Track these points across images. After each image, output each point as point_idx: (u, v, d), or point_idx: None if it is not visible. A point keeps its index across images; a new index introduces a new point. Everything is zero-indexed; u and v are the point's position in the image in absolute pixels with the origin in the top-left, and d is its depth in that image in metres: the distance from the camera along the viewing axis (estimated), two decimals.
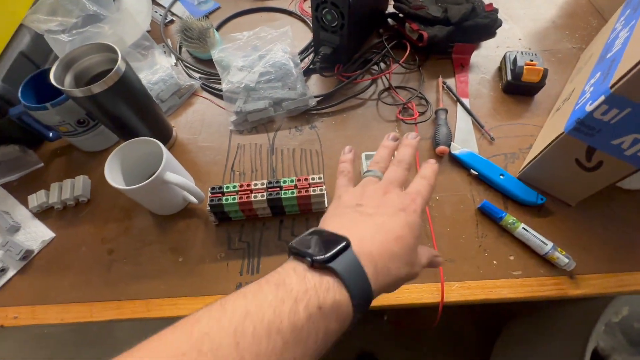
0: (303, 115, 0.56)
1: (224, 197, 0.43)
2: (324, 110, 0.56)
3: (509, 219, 0.43)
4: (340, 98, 0.57)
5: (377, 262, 0.24)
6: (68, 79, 0.42)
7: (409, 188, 0.30)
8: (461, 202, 0.47)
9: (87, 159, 0.54)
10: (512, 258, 0.43)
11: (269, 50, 0.57)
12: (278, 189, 0.43)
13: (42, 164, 0.52)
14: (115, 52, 0.42)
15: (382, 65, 0.60)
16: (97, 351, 1.18)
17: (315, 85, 0.60)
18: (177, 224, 0.47)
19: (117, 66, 0.40)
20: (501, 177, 0.47)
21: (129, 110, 0.45)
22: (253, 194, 0.43)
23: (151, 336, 0.20)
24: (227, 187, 0.44)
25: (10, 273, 0.45)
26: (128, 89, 0.43)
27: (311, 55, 0.62)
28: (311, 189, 0.43)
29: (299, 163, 0.52)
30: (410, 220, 0.27)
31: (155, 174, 0.40)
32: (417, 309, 0.42)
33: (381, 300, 0.41)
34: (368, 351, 1.06)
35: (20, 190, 0.51)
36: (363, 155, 0.46)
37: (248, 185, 0.44)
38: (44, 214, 0.49)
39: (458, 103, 0.55)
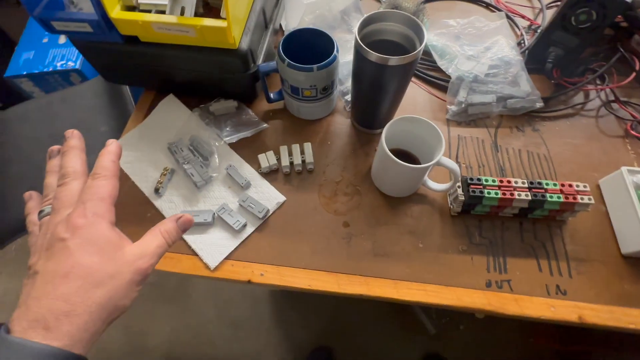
0: (522, 115, 0.54)
1: (486, 191, 0.41)
2: (546, 114, 0.54)
3: None
4: (559, 105, 0.54)
5: (48, 319, 0.21)
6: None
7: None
8: None
9: (300, 126, 0.53)
10: None
11: (495, 43, 0.55)
12: (542, 190, 0.42)
13: (267, 125, 0.52)
14: (417, 30, 0.40)
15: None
16: (173, 308, 1.21)
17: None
18: (409, 208, 0.46)
19: (420, 48, 0.38)
20: None
21: (393, 89, 0.43)
22: (517, 192, 0.41)
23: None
24: (487, 180, 0.42)
25: (249, 229, 0.45)
26: (409, 71, 0.41)
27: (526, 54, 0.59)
28: (579, 196, 0.41)
29: (528, 165, 0.50)
30: (75, 243, 0.23)
31: (438, 157, 0.39)
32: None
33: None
34: (435, 352, 1.05)
35: (241, 148, 0.51)
36: (624, 169, 0.44)
37: (509, 182, 0.42)
38: (269, 175, 0.49)
39: None
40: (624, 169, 0.44)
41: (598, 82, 0.56)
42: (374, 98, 0.45)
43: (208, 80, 0.50)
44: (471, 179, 0.42)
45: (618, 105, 0.54)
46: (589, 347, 0.93)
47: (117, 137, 0.73)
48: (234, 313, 1.19)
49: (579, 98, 0.56)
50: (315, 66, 0.43)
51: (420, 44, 0.39)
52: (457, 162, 0.50)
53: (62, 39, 1.07)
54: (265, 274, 0.42)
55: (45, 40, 1.06)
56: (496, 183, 0.42)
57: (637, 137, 0.51)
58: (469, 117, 0.53)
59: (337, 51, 0.45)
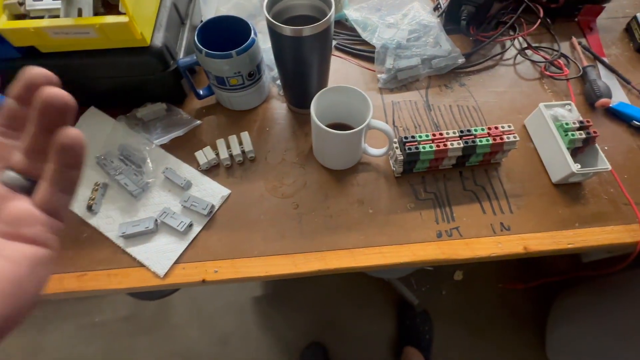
0: (449, 73, 0.56)
1: (421, 146, 0.43)
2: (470, 69, 0.57)
3: None
4: (480, 58, 0.57)
5: None
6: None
7: None
8: (629, 151, 0.48)
9: (234, 118, 0.52)
10: None
11: (411, 9, 0.57)
12: (472, 137, 0.44)
13: (200, 122, 0.50)
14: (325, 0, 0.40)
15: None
16: (154, 337, 1.14)
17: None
18: (354, 178, 0.47)
19: (330, 13, 0.38)
20: None
21: (316, 62, 0.43)
22: (450, 142, 0.43)
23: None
24: (420, 137, 0.44)
25: (196, 229, 0.43)
26: (326, 40, 0.41)
27: (443, 16, 0.61)
28: (505, 136, 0.43)
29: (460, 118, 0.52)
30: None
31: (367, 120, 0.40)
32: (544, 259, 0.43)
33: (578, 241, 0.42)
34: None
35: (175, 149, 0.49)
36: (541, 105, 0.47)
37: (441, 134, 0.44)
38: (210, 171, 0.47)
39: (597, 61, 0.57)
40: (541, 105, 0.47)
41: (510, 32, 0.60)
42: (300, 75, 0.45)
43: (128, 85, 0.48)
44: (406, 138, 0.44)
45: (531, 51, 0.58)
46: (549, 278, 1.00)
47: None
48: (219, 329, 1.14)
49: (497, 50, 0.59)
50: (233, 51, 0.42)
51: (329, 11, 0.39)
52: (394, 126, 0.51)
53: None
54: (220, 270, 0.41)
55: None
56: (429, 137, 0.44)
57: (551, 76, 0.55)
58: (399, 83, 0.55)
59: (255, 34, 0.44)
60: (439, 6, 0.63)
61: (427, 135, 0.44)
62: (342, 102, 0.44)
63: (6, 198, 0.19)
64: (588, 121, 0.44)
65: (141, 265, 0.41)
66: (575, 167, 0.42)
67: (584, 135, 0.43)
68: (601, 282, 0.92)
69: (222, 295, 1.19)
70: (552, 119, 0.46)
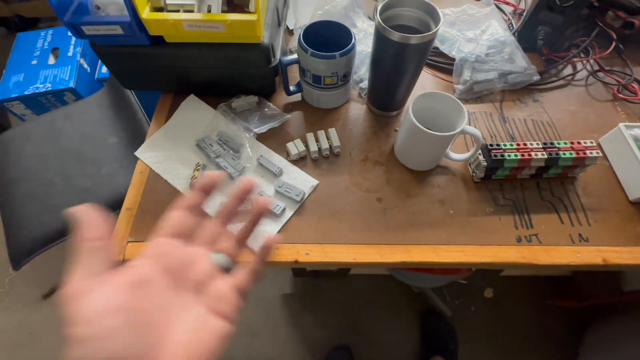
0: (522, 89, 0.59)
1: (506, 154, 0.45)
2: (543, 86, 0.59)
3: None
4: (550, 77, 0.60)
5: None
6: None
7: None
8: None
9: (320, 114, 0.55)
10: None
11: (489, 26, 0.60)
12: (556, 149, 0.46)
13: (290, 116, 0.54)
14: (432, 13, 0.43)
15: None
16: None
17: None
18: (434, 179, 0.49)
19: (437, 28, 0.41)
20: None
21: (412, 69, 0.46)
22: (534, 152, 0.45)
23: None
24: (505, 145, 0.46)
25: (289, 213, 0.46)
26: (426, 51, 0.44)
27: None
28: (588, 151, 0.45)
29: (535, 132, 0.54)
30: None
31: (462, 126, 0.42)
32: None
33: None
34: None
35: (266, 139, 0.52)
36: (621, 125, 0.49)
37: (525, 144, 0.46)
38: (298, 162, 0.51)
39: None
40: (621, 125, 0.49)
41: (582, 54, 0.62)
42: (393, 79, 0.48)
43: (228, 77, 0.52)
44: (491, 145, 0.46)
45: (603, 74, 0.60)
46: (601, 299, 0.98)
47: (130, 147, 0.73)
48: (248, 321, 1.17)
49: (568, 71, 0.61)
50: (337, 53, 0.46)
51: (436, 26, 0.42)
52: None
53: (52, 59, 1.05)
54: (311, 253, 0.44)
55: (34, 62, 1.04)
56: (514, 146, 0.46)
57: (624, 99, 0.57)
58: (474, 95, 0.58)
59: (355, 39, 0.48)
60: (510, 25, 0.65)
61: (511, 145, 0.46)
62: (430, 107, 0.47)
63: (214, 277, 0.24)
64: None
65: None
66: None
67: None
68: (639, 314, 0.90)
69: (253, 290, 1.22)
70: (633, 138, 0.47)
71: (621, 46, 0.63)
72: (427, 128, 0.50)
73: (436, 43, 0.61)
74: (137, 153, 0.51)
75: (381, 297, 1.16)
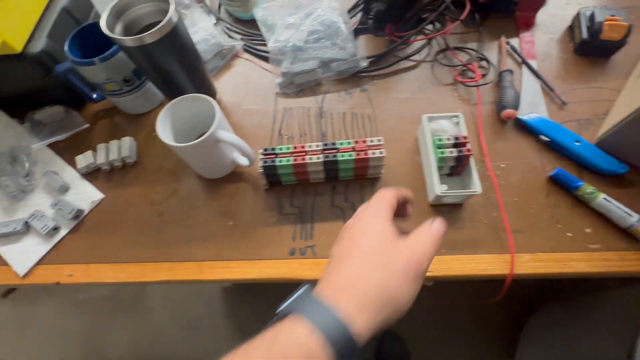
0: (353, 77, 0.53)
1: (278, 159, 0.41)
2: (375, 73, 0.53)
3: (587, 188, 0.39)
4: (392, 60, 0.53)
5: (333, 293, 0.24)
6: (118, 28, 0.40)
7: None
8: (530, 171, 0.43)
9: (130, 121, 0.53)
10: (588, 231, 0.39)
11: (317, 7, 0.54)
12: (335, 151, 0.41)
13: (88, 125, 0.52)
14: (167, 1, 0.39)
15: (437, 24, 0.55)
16: (130, 317, 1.22)
17: (365, 46, 0.56)
18: (225, 187, 0.46)
19: (169, 16, 0.37)
20: (577, 143, 0.43)
21: (178, 65, 0.42)
22: (308, 156, 0.41)
23: None
24: (281, 149, 0.42)
25: (63, 232, 0.44)
26: (179, 41, 0.40)
27: (359, 15, 0.57)
28: (370, 151, 0.40)
29: (351, 127, 0.49)
30: (357, 229, 0.28)
31: (209, 132, 0.38)
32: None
33: (440, 269, 0.38)
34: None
35: (66, 151, 0.50)
36: (424, 117, 0.43)
37: (302, 147, 0.41)
38: (91, 175, 0.49)
39: (524, 65, 0.50)
40: (424, 116, 0.43)
41: (426, 32, 0.55)
42: (168, 81, 0.44)
43: (23, 90, 0.50)
44: (265, 150, 0.42)
45: (451, 54, 0.53)
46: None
47: None
48: (189, 315, 1.20)
49: (419, 52, 0.54)
50: (96, 59, 0.43)
51: (175, 14, 0.38)
52: (280, 134, 0.49)
53: None
54: (74, 274, 0.42)
55: None
56: (290, 150, 0.41)
57: (462, 82, 0.50)
58: (297, 88, 0.52)
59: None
60: (359, 3, 0.58)
61: (287, 148, 0.41)
62: (199, 111, 0.42)
63: None
64: (465, 137, 0.40)
65: (6, 264, 0.43)
66: (439, 189, 0.38)
67: (455, 154, 0.39)
68: (572, 302, 0.84)
69: (194, 284, 1.24)
70: (432, 132, 0.42)
71: (477, 17, 0.55)
72: (201, 134, 0.46)
73: (262, 31, 0.55)
74: None
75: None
